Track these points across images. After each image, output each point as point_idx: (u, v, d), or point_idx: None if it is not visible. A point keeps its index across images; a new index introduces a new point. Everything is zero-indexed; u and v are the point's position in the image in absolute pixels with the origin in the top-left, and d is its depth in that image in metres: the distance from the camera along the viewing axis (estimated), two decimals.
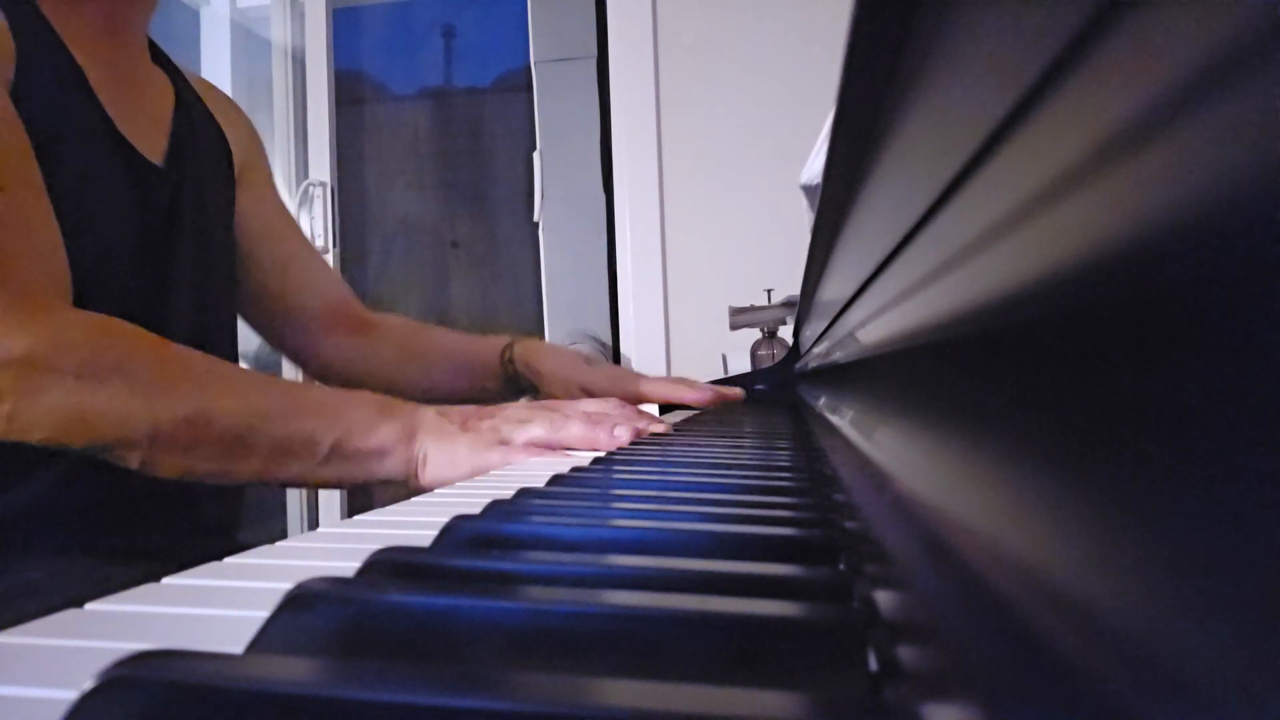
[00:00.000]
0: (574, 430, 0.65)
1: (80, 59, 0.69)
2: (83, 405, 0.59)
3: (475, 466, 0.63)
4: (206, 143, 0.84)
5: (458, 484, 0.48)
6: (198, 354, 0.65)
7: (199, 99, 0.86)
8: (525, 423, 0.66)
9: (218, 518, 0.79)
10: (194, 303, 0.78)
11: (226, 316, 0.86)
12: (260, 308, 0.96)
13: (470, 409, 0.68)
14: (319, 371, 1.00)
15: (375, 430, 0.64)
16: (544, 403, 0.73)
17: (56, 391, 0.58)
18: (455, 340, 1.03)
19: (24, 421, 0.58)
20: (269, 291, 0.95)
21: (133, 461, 0.61)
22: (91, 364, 0.60)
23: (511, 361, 0.97)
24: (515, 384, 0.98)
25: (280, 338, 0.98)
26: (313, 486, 0.71)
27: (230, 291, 0.88)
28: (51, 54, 0.67)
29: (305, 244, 1.00)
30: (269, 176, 0.97)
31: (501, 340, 0.99)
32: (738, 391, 1.09)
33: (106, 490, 0.68)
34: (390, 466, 0.65)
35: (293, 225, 0.99)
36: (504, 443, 0.64)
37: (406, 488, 0.65)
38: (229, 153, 0.88)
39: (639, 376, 0.99)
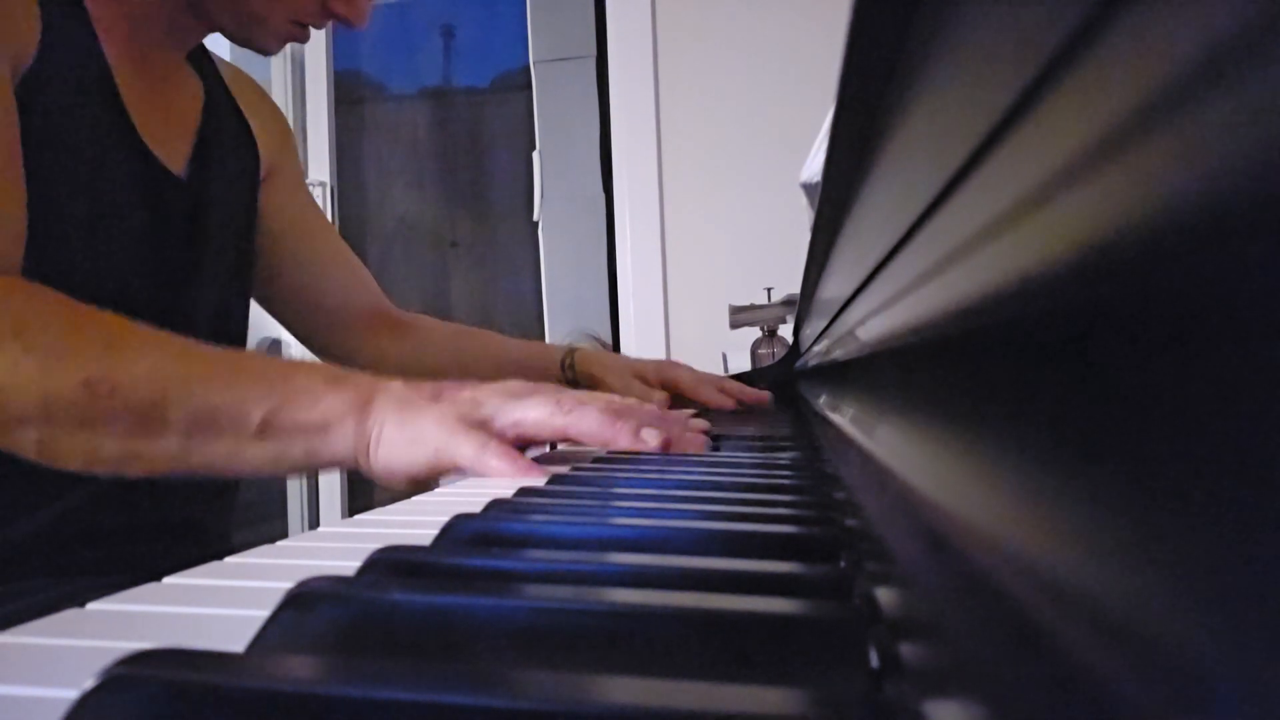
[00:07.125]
0: (588, 421, 0.52)
1: (112, 57, 0.66)
2: None
3: (439, 451, 0.50)
4: (233, 148, 0.80)
5: (457, 484, 0.48)
6: (117, 318, 0.54)
7: (230, 98, 0.82)
8: (520, 399, 0.53)
9: (218, 533, 0.77)
10: (214, 313, 0.75)
11: (241, 329, 0.83)
12: (297, 309, 0.91)
13: (454, 382, 0.55)
14: None
15: (319, 400, 0.52)
16: (557, 386, 0.59)
17: None
18: (507, 345, 0.97)
19: None
20: (307, 292, 0.90)
21: (29, 446, 0.52)
22: None
23: (573, 367, 0.92)
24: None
25: (322, 340, 0.93)
26: (246, 474, 0.56)
27: (246, 302, 0.84)
28: (80, 50, 0.64)
29: (341, 243, 0.96)
30: (299, 174, 0.93)
31: (557, 348, 0.95)
32: (762, 395, 0.97)
33: (117, 519, 0.66)
34: (336, 445, 0.52)
35: (327, 224, 0.95)
36: (485, 424, 0.51)
37: (361, 473, 0.53)
38: (256, 156, 0.84)
39: (677, 365, 0.93)
